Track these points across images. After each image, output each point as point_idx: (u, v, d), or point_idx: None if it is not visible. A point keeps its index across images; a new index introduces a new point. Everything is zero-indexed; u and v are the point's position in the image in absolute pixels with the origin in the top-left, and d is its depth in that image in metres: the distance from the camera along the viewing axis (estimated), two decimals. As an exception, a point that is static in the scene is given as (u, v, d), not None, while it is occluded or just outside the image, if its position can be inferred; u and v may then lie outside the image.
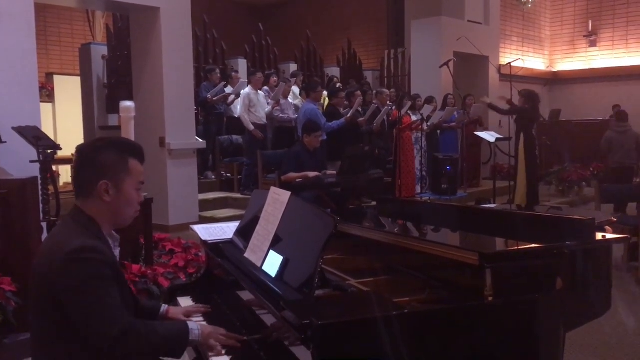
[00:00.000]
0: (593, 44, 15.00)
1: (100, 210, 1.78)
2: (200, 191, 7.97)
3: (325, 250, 1.71)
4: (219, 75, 9.07)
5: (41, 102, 6.25)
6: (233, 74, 9.45)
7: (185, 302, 2.36)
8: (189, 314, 2.12)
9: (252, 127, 8.09)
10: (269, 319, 1.87)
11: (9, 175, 4.80)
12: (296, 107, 8.57)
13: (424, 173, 9.00)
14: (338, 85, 9.57)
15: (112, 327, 1.62)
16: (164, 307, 2.11)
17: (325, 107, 8.44)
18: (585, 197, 9.89)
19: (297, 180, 6.12)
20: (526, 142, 7.98)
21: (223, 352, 1.79)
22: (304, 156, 6.32)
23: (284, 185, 5.87)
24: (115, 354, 1.65)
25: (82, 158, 1.81)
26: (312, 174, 6.22)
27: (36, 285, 1.71)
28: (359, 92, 8.43)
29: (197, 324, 1.82)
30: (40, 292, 1.69)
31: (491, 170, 10.88)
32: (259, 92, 8.44)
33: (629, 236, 3.97)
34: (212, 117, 8.87)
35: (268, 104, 8.46)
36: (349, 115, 7.83)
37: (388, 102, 8.76)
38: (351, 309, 1.63)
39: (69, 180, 12.07)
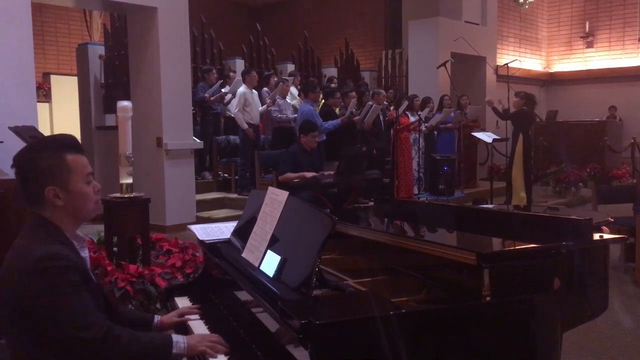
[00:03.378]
0: (590, 45, 15.05)
1: (57, 215, 1.71)
2: (198, 191, 7.96)
3: (323, 250, 1.71)
4: (215, 75, 9.07)
5: (38, 101, 6.25)
6: (231, 74, 9.45)
7: (183, 302, 2.36)
8: (182, 314, 2.10)
9: (245, 126, 8.08)
10: (266, 319, 1.86)
11: (5, 175, 4.79)
12: (294, 108, 8.57)
13: (421, 174, 9.00)
14: (332, 85, 9.57)
15: (88, 331, 1.58)
16: (157, 318, 2.06)
17: (320, 107, 8.44)
18: (582, 198, 9.90)
19: (295, 180, 6.12)
20: (524, 143, 8.07)
21: (223, 352, 1.78)
22: (300, 156, 6.33)
23: (281, 185, 5.87)
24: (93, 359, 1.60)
25: (20, 171, 1.72)
26: (309, 174, 6.23)
27: (2, 297, 1.65)
28: (353, 93, 8.45)
29: (183, 337, 1.78)
30: (7, 303, 1.63)
31: (488, 170, 10.92)
32: (254, 91, 8.44)
33: (625, 236, 3.97)
34: (209, 117, 8.87)
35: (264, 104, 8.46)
36: (345, 116, 7.84)
37: (384, 103, 8.78)
38: (349, 309, 1.63)
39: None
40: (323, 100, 8.48)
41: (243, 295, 2.11)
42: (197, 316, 2.10)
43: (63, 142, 1.74)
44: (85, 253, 1.83)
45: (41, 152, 1.70)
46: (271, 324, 1.73)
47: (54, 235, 1.69)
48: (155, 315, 2.10)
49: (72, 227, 1.77)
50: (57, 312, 1.58)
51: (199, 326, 2.05)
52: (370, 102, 8.57)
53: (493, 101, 8.95)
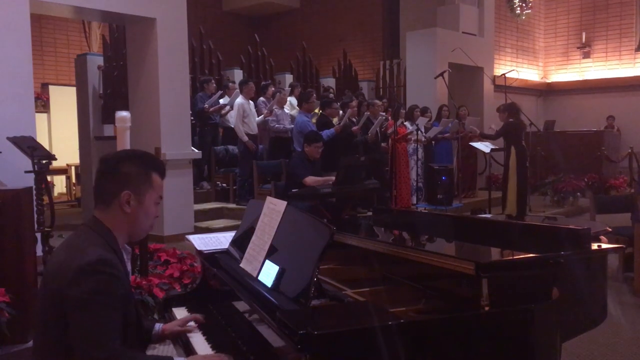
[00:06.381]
0: (586, 55, 15.12)
1: (118, 222, 1.77)
2: (196, 201, 7.96)
3: (321, 260, 1.71)
4: (214, 85, 9.10)
5: (36, 112, 6.25)
6: (230, 84, 9.47)
7: (181, 312, 2.35)
8: (184, 323, 2.10)
9: (246, 138, 8.10)
10: (266, 331, 1.86)
11: (3, 186, 4.79)
12: (292, 118, 8.60)
13: (420, 184, 9.00)
14: (330, 95, 9.61)
15: (100, 351, 1.58)
16: (158, 326, 2.07)
17: (317, 117, 8.46)
18: (580, 208, 9.91)
19: (322, 184, 6.22)
20: (518, 154, 8.09)
21: None
22: (306, 164, 6.37)
23: (278, 195, 5.87)
24: None
25: (105, 167, 1.80)
26: (330, 178, 6.34)
27: (46, 292, 1.68)
28: (353, 103, 8.48)
29: (183, 359, 1.79)
30: (50, 299, 1.65)
31: (486, 180, 10.93)
32: (251, 102, 8.46)
33: (623, 246, 3.97)
34: (207, 127, 8.88)
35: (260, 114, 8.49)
36: (339, 125, 7.88)
37: (381, 113, 8.81)
38: (347, 319, 1.63)
39: (64, 190, 12.04)
40: (320, 111, 8.50)
41: (241, 306, 2.11)
42: (197, 330, 2.09)
43: (154, 161, 1.87)
44: (128, 265, 1.87)
45: (133, 160, 1.81)
46: (271, 337, 1.72)
47: (109, 241, 1.74)
48: (157, 323, 2.09)
49: (124, 239, 1.83)
50: (84, 320, 1.59)
51: (198, 339, 2.04)
52: (366, 113, 8.60)
53: (476, 131, 9.19)
